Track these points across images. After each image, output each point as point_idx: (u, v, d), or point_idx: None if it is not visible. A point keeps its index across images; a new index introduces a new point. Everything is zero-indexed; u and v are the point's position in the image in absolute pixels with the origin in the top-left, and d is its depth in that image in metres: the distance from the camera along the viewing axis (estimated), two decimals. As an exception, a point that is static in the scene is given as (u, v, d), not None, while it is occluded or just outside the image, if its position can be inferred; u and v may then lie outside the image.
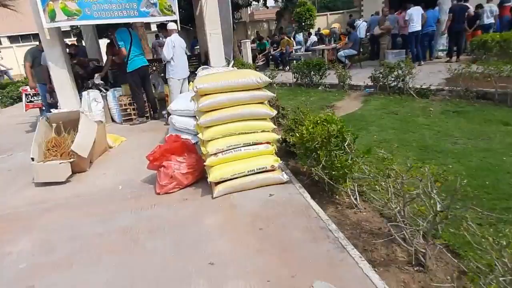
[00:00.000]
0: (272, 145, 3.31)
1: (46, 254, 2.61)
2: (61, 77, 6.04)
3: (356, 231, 2.66)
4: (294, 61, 12.39)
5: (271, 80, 3.15)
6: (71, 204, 3.40)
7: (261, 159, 3.22)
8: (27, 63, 6.41)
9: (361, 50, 11.52)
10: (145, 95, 6.57)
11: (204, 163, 3.19)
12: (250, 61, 12.42)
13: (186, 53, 6.32)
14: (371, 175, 2.31)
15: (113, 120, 6.81)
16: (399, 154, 3.91)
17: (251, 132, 3.21)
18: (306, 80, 8.61)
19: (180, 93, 6.01)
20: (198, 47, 10.25)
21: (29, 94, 6.46)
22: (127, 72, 6.11)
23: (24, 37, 26.96)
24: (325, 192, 3.25)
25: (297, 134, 3.16)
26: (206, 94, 3.17)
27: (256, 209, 2.88)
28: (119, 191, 3.57)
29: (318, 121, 3.17)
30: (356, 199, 2.96)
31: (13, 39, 27.68)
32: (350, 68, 9.76)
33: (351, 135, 2.98)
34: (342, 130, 2.97)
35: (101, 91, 6.77)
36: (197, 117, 3.40)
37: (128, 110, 6.51)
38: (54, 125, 4.31)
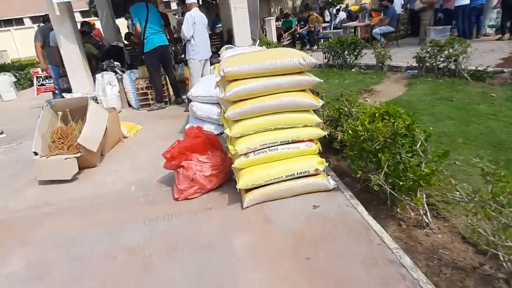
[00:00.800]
0: (316, 143, 2.66)
1: (39, 279, 2.11)
2: (73, 57, 5.53)
3: (433, 262, 2.02)
4: (322, 40, 11.52)
5: (317, 62, 2.46)
6: (75, 209, 2.89)
7: (302, 161, 2.59)
8: (38, 43, 5.91)
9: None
10: (166, 77, 6.00)
11: (232, 165, 2.59)
12: (275, 40, 11.61)
13: (207, 31, 5.66)
14: (475, 199, 1.64)
15: (129, 105, 6.30)
16: (467, 153, 3.19)
17: (290, 127, 2.57)
18: (339, 60, 7.79)
19: (201, 76, 5.40)
20: (220, 25, 9.53)
21: (41, 77, 6.00)
22: (144, 52, 5.52)
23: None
24: (381, 203, 2.60)
25: (349, 131, 2.49)
26: (235, 80, 2.53)
27: (298, 227, 2.27)
28: (131, 194, 3.03)
29: (377, 114, 2.49)
30: (426, 214, 2.31)
31: (35, 19, 27.53)
32: (385, 47, 8.82)
33: (423, 133, 2.29)
34: (412, 127, 2.28)
35: (116, 73, 6.25)
36: (223, 108, 2.78)
37: (146, 95, 5.96)
38: (60, 113, 3.80)
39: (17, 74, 11.36)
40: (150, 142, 4.27)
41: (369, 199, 2.67)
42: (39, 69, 6.09)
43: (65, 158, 3.29)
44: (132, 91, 6.11)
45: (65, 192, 3.20)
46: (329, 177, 2.68)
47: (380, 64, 7.05)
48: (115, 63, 6.42)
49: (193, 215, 2.57)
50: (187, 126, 4.19)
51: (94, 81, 5.90)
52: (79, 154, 3.37)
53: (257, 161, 2.56)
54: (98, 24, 8.84)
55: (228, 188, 2.86)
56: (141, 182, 3.22)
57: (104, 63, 6.24)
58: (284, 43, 11.65)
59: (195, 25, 5.14)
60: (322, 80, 2.59)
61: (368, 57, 7.59)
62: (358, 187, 2.70)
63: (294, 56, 2.47)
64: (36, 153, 3.40)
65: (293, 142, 2.60)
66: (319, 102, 2.56)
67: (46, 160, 3.33)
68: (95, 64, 6.43)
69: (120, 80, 6.09)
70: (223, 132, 3.50)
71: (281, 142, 2.57)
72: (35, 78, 6.04)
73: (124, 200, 2.93)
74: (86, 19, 16.42)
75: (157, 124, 5.07)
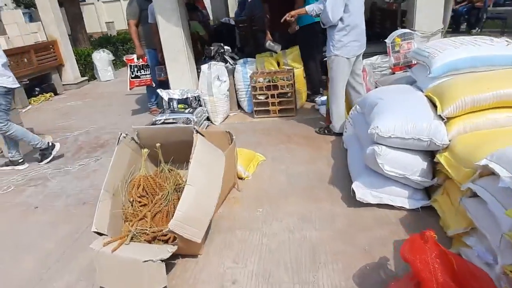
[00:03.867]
0: None
1: None
2: (174, 41, 3.99)
3: None
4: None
5: None
6: None
7: None
8: (131, 21, 4.42)
9: None
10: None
11: None
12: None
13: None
14: None
15: (239, 107, 4.63)
16: None
17: None
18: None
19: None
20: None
21: (136, 66, 4.54)
22: (300, 28, 4.00)
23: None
24: None
25: None
26: None
27: None
28: None
29: None
30: None
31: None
32: None
33: None
34: None
35: (226, 62, 4.59)
36: None
37: (262, 98, 4.18)
38: (146, 150, 2.18)
39: (121, 47, 10.72)
40: (283, 201, 2.49)
41: None
42: (133, 56, 4.66)
43: (144, 261, 1.66)
44: (246, 88, 4.40)
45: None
46: None
47: None
48: (225, 47, 4.74)
49: None
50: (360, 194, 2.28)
51: (198, 73, 4.34)
52: (169, 253, 1.71)
53: None
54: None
55: None
56: None
57: (212, 48, 4.59)
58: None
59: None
60: None
61: None
62: None
63: None
64: (98, 233, 1.85)
65: None
66: None
67: (112, 258, 1.74)
68: (201, 49, 4.86)
69: (231, 72, 4.41)
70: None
71: None
72: (128, 67, 4.60)
73: None
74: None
75: (285, 153, 3.25)
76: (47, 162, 3.56)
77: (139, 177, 2.10)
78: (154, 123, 3.62)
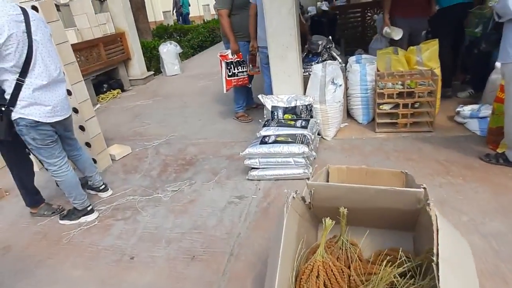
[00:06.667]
0: None
1: None
2: (282, 33, 3.16)
3: None
4: None
5: None
6: None
7: None
8: (224, 11, 3.61)
9: None
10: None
11: None
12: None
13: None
14: None
15: (349, 115, 3.74)
16: None
17: None
18: None
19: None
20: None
21: (232, 63, 3.72)
22: (439, 10, 3.05)
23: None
24: None
25: None
26: None
27: None
28: None
29: None
30: None
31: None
32: None
33: None
34: None
35: (334, 59, 3.70)
36: None
37: (387, 108, 3.27)
38: (330, 221, 1.36)
39: (180, 38, 10.20)
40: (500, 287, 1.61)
41: None
42: (228, 52, 3.83)
43: None
44: (363, 94, 3.49)
45: None
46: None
47: None
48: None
49: None
50: None
51: (305, 75, 3.50)
52: None
53: None
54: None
55: None
56: None
57: (319, 42, 3.71)
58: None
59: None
60: None
61: None
62: None
63: None
64: None
65: None
66: None
67: None
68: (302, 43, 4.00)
69: (344, 73, 3.52)
70: None
71: None
72: (224, 65, 3.77)
73: None
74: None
75: (453, 193, 2.34)
76: (64, 222, 2.58)
77: (317, 263, 1.30)
78: (263, 141, 2.83)
